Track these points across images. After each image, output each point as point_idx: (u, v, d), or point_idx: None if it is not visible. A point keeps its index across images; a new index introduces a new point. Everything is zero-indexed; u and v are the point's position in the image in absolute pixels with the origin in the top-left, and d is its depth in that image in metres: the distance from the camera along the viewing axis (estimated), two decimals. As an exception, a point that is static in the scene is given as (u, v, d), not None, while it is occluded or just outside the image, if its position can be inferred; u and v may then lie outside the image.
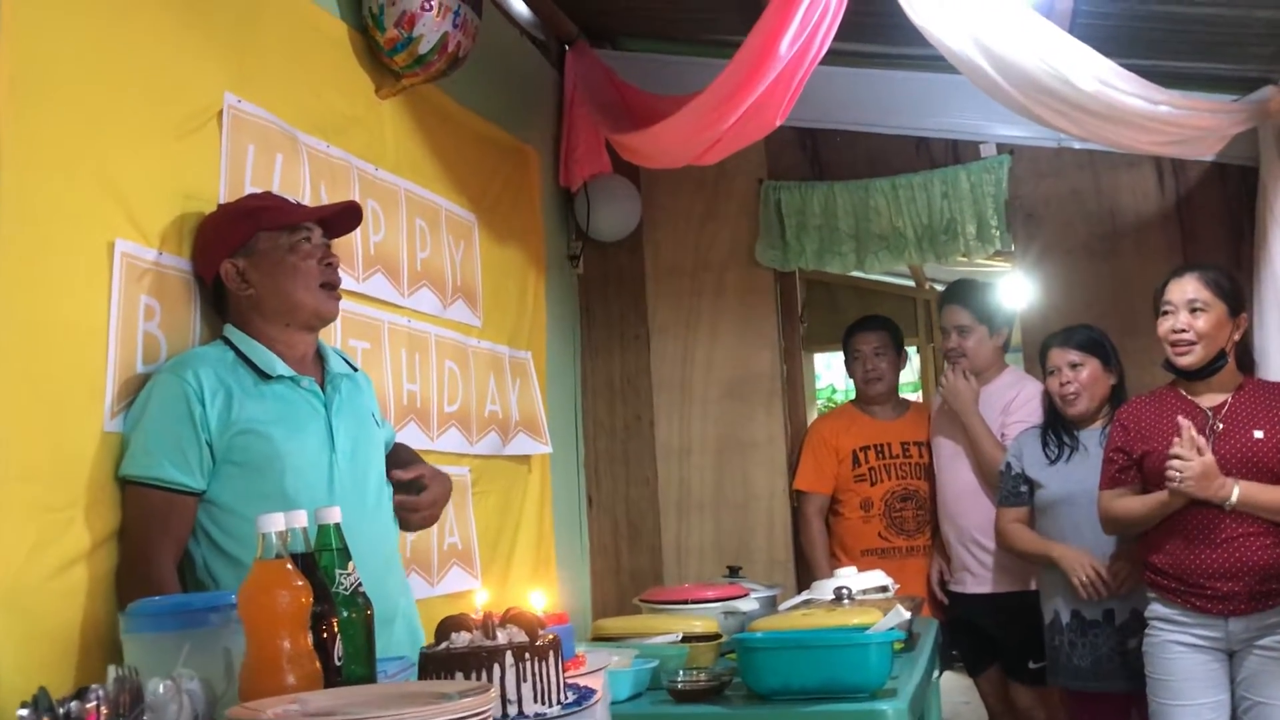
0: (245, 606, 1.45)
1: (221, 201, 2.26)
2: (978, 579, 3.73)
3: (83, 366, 1.92)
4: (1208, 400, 2.94)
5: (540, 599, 1.78)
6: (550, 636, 1.49)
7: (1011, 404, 3.74)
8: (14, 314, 1.78)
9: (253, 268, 2.10)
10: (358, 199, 2.72)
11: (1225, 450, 2.84)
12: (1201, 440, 2.78)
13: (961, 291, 3.90)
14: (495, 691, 1.41)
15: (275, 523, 1.48)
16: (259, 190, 2.33)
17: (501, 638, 1.44)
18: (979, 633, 3.81)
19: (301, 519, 1.58)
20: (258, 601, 1.45)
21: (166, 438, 1.95)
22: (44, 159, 1.85)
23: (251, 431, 2.01)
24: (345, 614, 1.63)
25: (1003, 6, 2.84)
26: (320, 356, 2.22)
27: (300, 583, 1.46)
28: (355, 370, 2.30)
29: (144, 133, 2.09)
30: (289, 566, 1.47)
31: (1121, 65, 3.01)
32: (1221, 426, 2.88)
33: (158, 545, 1.94)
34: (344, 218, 2.27)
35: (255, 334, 2.11)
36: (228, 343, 2.10)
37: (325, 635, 1.55)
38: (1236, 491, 2.77)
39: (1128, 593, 3.18)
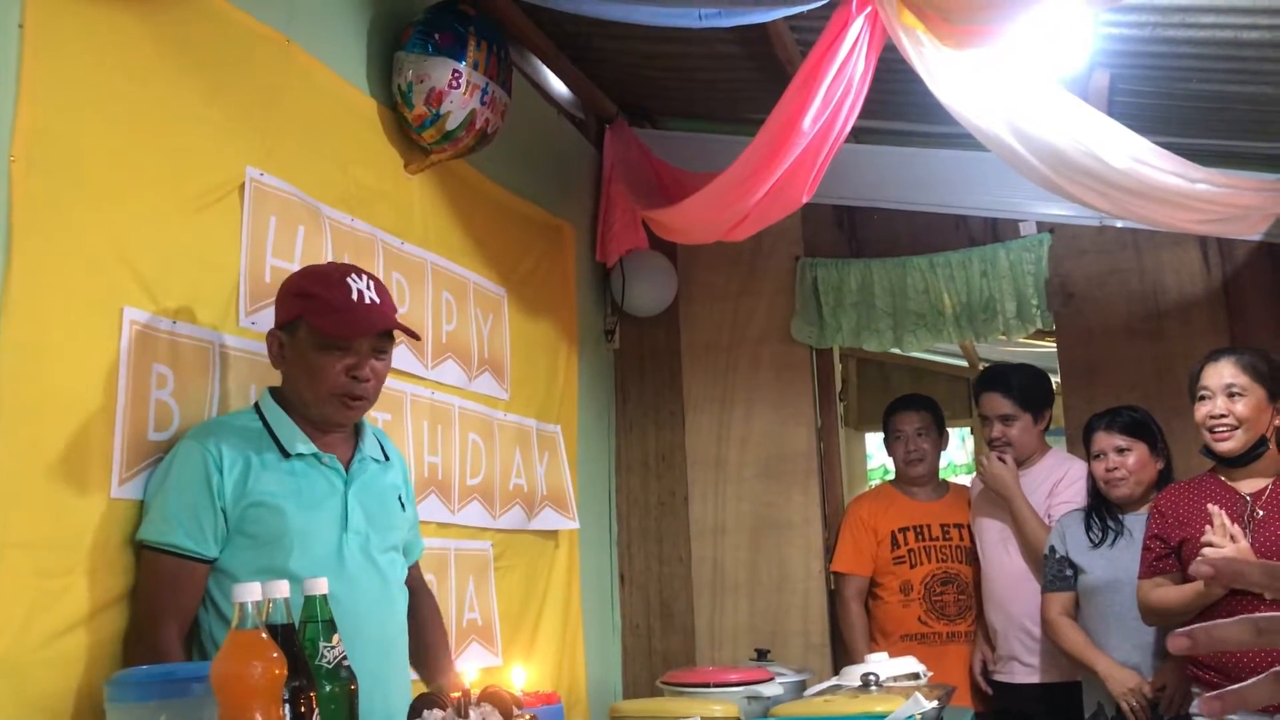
0: (218, 677, 1.43)
1: (242, 271, 2.30)
2: (1028, 669, 3.59)
3: (90, 434, 1.93)
4: (1247, 486, 2.84)
5: (521, 676, 1.74)
6: (528, 717, 1.45)
7: (1057, 485, 3.62)
8: (20, 382, 1.80)
9: (290, 347, 2.11)
10: (382, 272, 2.74)
11: (1266, 538, 2.72)
12: (1235, 527, 2.67)
13: (1000, 378, 3.78)
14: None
15: (252, 592, 1.47)
16: (307, 265, 2.31)
17: (474, 717, 1.40)
18: (1026, 724, 3.67)
19: (282, 589, 1.56)
20: (230, 672, 1.43)
21: (183, 505, 1.97)
22: (56, 229, 1.88)
23: (264, 504, 2.01)
24: (327, 687, 1.61)
25: (1032, 85, 2.82)
26: (356, 433, 2.21)
27: (275, 654, 1.44)
28: (388, 459, 2.27)
29: (161, 204, 2.12)
30: (264, 637, 1.45)
31: (1163, 143, 2.96)
32: (1261, 514, 2.77)
33: (165, 611, 1.95)
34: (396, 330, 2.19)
35: (289, 403, 2.11)
36: (258, 412, 2.11)
37: (303, 709, 1.53)
38: (1277, 581, 2.65)
39: (1176, 713, 3.03)
